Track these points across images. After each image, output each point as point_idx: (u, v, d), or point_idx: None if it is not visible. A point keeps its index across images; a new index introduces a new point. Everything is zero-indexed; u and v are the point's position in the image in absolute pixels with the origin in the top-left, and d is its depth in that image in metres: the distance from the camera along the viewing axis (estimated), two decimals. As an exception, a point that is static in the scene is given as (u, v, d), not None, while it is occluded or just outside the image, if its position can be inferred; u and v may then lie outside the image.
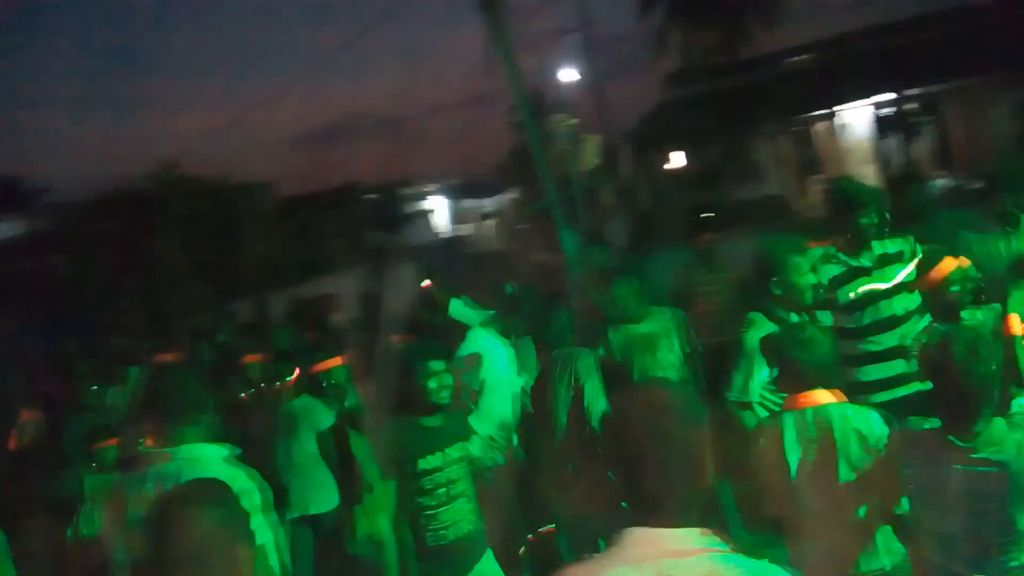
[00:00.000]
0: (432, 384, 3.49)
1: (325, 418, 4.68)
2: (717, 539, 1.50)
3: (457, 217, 38.21)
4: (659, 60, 25.87)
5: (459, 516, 3.48)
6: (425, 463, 3.43)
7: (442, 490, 3.44)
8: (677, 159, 21.55)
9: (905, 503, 2.75)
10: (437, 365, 3.54)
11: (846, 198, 4.06)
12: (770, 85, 19.40)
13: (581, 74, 22.36)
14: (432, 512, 3.43)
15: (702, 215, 6.68)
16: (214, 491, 1.81)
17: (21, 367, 9.85)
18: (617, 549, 1.54)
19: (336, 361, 5.00)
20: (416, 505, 3.42)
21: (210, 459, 2.56)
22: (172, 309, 14.85)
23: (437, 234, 35.08)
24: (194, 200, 19.39)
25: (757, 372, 3.56)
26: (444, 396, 3.57)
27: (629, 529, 1.54)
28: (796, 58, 21.26)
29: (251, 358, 5.81)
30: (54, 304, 17.21)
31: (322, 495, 4.77)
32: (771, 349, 3.12)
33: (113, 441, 4.10)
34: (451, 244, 30.46)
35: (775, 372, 3.28)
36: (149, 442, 2.72)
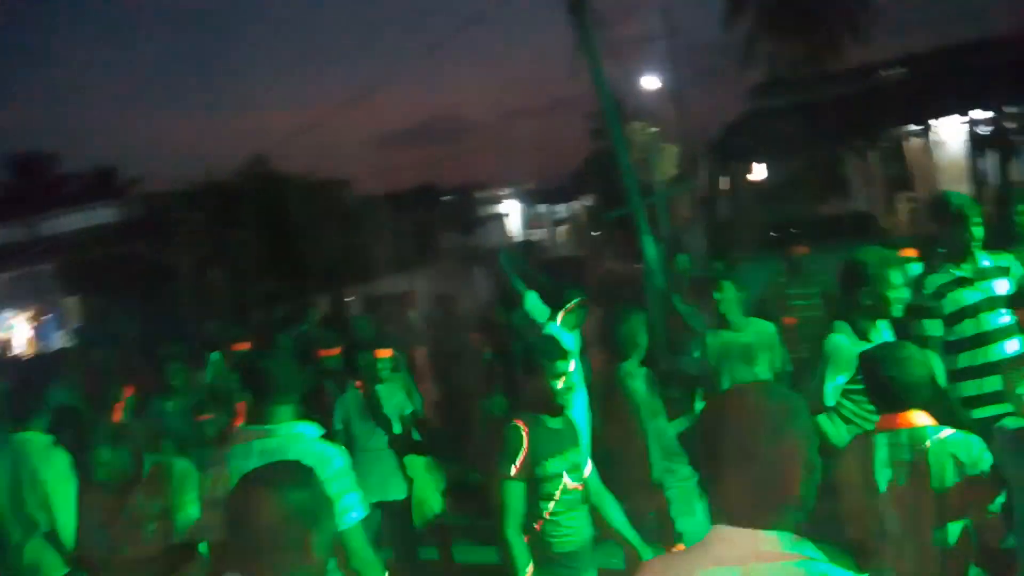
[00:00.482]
0: (559, 384, 3.31)
1: (405, 405, 4.79)
2: (809, 545, 1.47)
3: (530, 222, 38.33)
4: (744, 70, 25.41)
5: (582, 522, 3.36)
6: (553, 466, 3.26)
7: (569, 495, 3.28)
8: (760, 171, 21.14)
9: (1011, 538, 2.62)
10: (563, 365, 3.36)
11: (953, 209, 4.00)
12: (861, 98, 18.83)
13: (663, 82, 22.17)
14: (558, 517, 3.26)
15: (789, 229, 6.54)
16: (296, 473, 1.82)
17: (112, 347, 10.28)
18: (704, 546, 1.52)
19: (387, 353, 5.11)
20: (540, 509, 3.25)
21: (309, 437, 2.63)
22: (254, 299, 15.29)
23: (510, 238, 35.27)
24: (278, 195, 19.96)
25: (834, 377, 3.50)
26: (568, 397, 3.42)
27: (717, 527, 1.52)
28: (889, 71, 20.60)
29: (328, 351, 5.92)
30: (143, 289, 17.95)
31: (395, 482, 4.84)
32: (867, 366, 3.03)
33: (210, 416, 4.24)
34: (524, 248, 30.60)
35: (858, 383, 3.21)
36: (240, 421, 2.80)
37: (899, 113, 18.41)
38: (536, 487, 3.22)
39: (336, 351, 5.81)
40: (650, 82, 22.69)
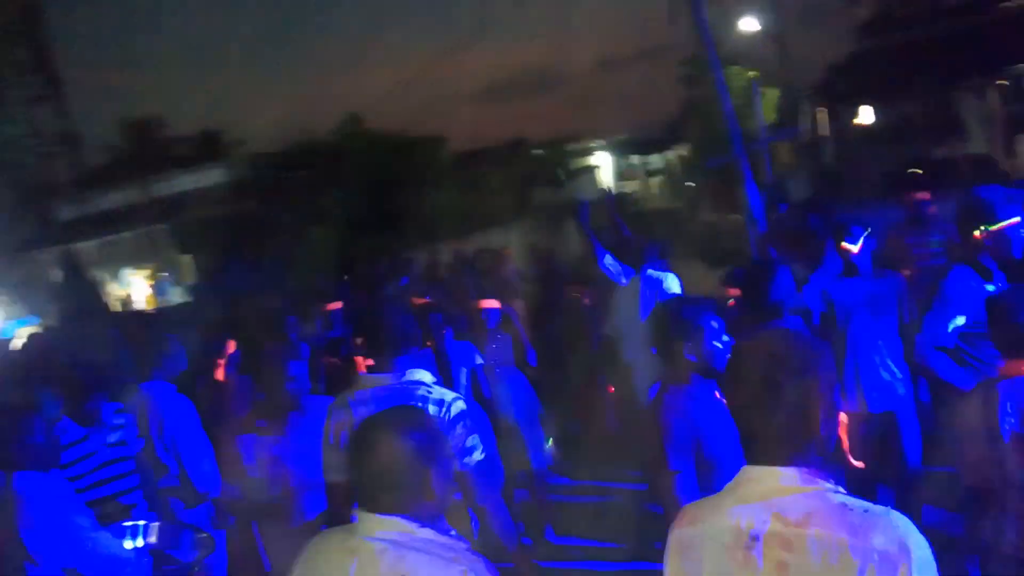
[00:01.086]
0: (718, 346, 2.74)
1: (475, 357, 4.77)
2: (828, 480, 1.52)
3: (623, 173, 37.81)
4: (851, 7, 24.08)
5: None
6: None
7: None
8: (868, 114, 20.16)
9: None
10: (717, 323, 2.82)
11: None
12: (977, 33, 17.62)
13: (763, 23, 21.25)
14: None
15: (907, 173, 6.20)
16: (413, 415, 1.96)
17: (221, 302, 10.80)
18: (733, 487, 1.59)
19: (494, 303, 5.13)
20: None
21: (426, 384, 2.74)
22: (355, 254, 15.74)
23: (602, 191, 34.92)
24: (375, 153, 20.37)
25: (953, 319, 3.40)
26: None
27: (745, 467, 1.59)
28: (1009, 2, 19.16)
29: (422, 301, 6.01)
30: (251, 246, 18.74)
31: None
32: (994, 310, 2.91)
33: (336, 362, 4.42)
34: (610, 201, 30.22)
35: (978, 326, 3.08)
36: (363, 368, 2.94)
37: (1020, 48, 17.14)
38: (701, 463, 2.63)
39: (429, 302, 5.86)
40: (749, 24, 21.78)
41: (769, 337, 1.70)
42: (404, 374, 2.79)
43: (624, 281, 5.45)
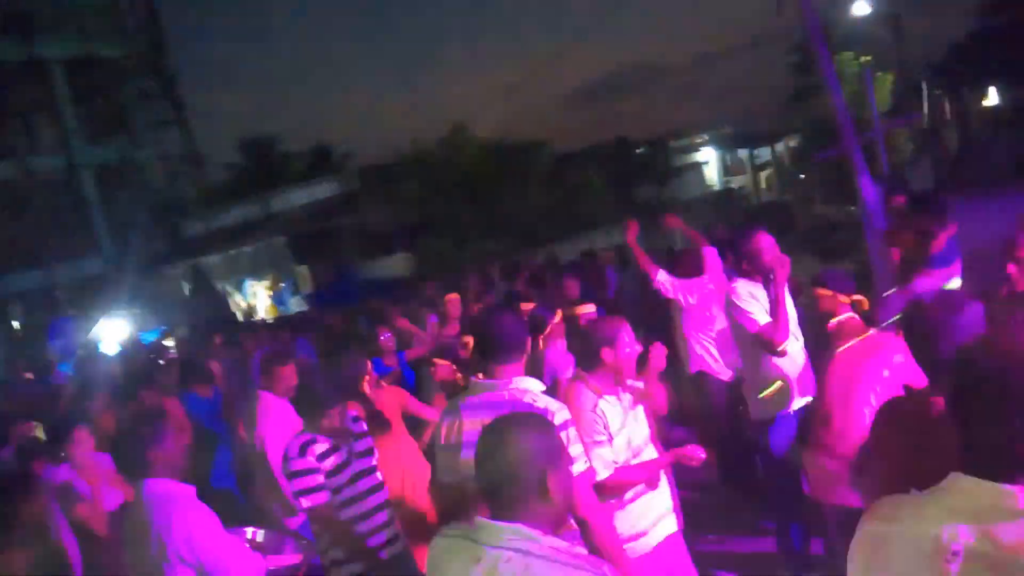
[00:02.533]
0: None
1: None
2: None
3: (730, 168, 36.94)
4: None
5: None
6: None
7: None
8: (993, 96, 18.95)
9: None
10: None
11: None
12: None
13: (875, 6, 20.29)
14: None
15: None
16: (535, 420, 2.01)
17: (336, 311, 11.21)
18: (939, 495, 1.46)
19: (590, 308, 5.06)
20: None
21: (533, 391, 2.77)
22: (462, 260, 16.05)
23: (709, 186, 34.18)
24: (480, 160, 20.72)
25: None
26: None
27: (956, 475, 1.45)
28: None
29: (528, 305, 5.97)
30: (364, 255, 19.41)
31: None
32: None
33: (447, 366, 4.51)
34: (723, 197, 29.55)
35: None
36: (476, 375, 3.01)
37: None
38: None
39: (532, 306, 5.84)
40: (860, 7, 20.84)
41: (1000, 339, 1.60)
42: (512, 381, 2.83)
43: (682, 297, 5.38)
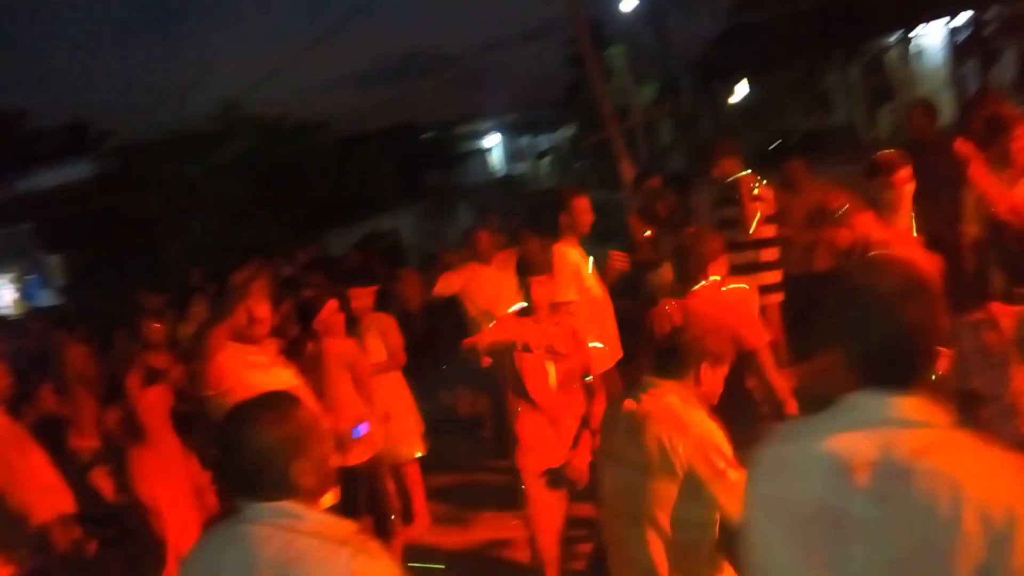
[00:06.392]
0: None
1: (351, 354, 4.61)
2: (943, 412, 1.44)
3: (514, 155, 37.95)
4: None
5: None
6: None
7: None
8: (741, 89, 20.91)
9: None
10: None
11: (1000, 119, 4.04)
12: (840, 9, 18.51)
13: (640, 3, 21.63)
14: None
15: (775, 144, 6.42)
16: (280, 403, 1.91)
17: (89, 302, 10.27)
18: (839, 412, 1.50)
19: (364, 291, 5.04)
20: None
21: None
22: (237, 247, 15.21)
23: (494, 173, 34.94)
24: (254, 140, 19.68)
25: None
26: None
27: (853, 393, 1.49)
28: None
29: (310, 293, 5.82)
30: (125, 242, 17.83)
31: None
32: None
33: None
34: (507, 182, 30.34)
35: None
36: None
37: (879, 23, 18.12)
38: None
39: (314, 293, 5.66)
40: (627, 3, 22.12)
41: (881, 259, 1.67)
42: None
43: None
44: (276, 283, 8.44)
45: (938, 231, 3.92)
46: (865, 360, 1.48)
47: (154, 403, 4.13)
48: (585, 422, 3.75)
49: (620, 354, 4.77)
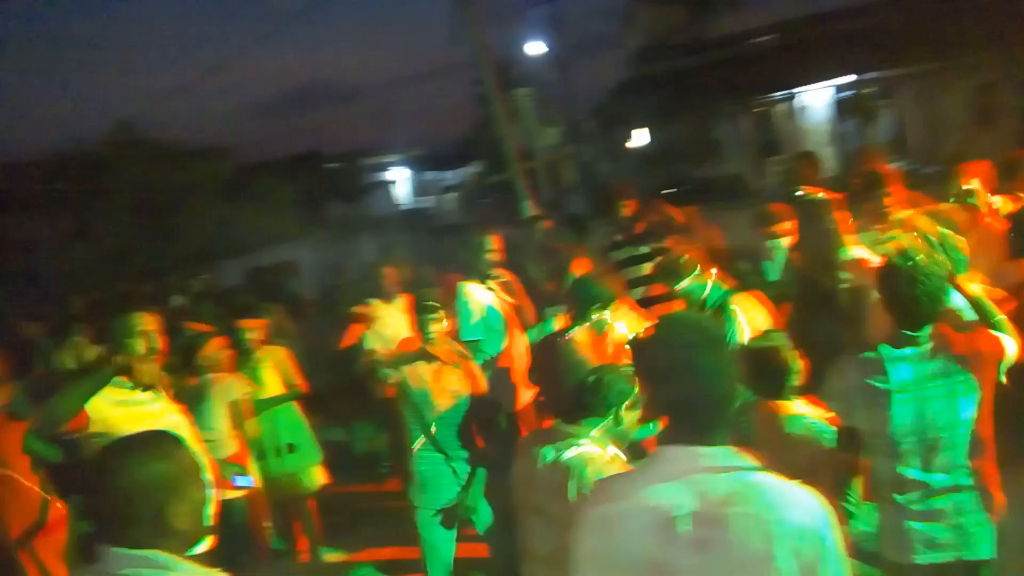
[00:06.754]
0: None
1: (239, 386, 4.47)
2: (748, 458, 1.54)
3: (419, 189, 37.94)
4: (626, 36, 25.83)
5: None
6: None
7: None
8: (641, 136, 21.65)
9: None
10: None
11: (876, 175, 4.29)
12: (732, 65, 19.53)
13: (548, 48, 22.28)
14: None
15: (668, 190, 6.67)
16: (160, 442, 1.82)
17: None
18: (651, 465, 1.59)
19: (257, 323, 4.92)
20: None
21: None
22: (125, 273, 14.54)
23: (398, 206, 34.82)
24: (149, 164, 18.94)
25: None
26: None
27: (663, 447, 1.58)
28: (759, 39, 21.42)
29: (196, 325, 5.58)
30: (5, 262, 16.75)
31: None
32: None
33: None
34: (412, 216, 30.26)
35: None
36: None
37: (768, 80, 19.20)
38: None
39: (201, 325, 5.45)
40: (535, 48, 22.71)
41: (678, 316, 1.78)
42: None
43: None
44: (166, 314, 8.14)
45: (816, 277, 4.14)
46: (670, 411, 1.59)
47: (10, 440, 3.83)
48: (480, 460, 3.75)
49: (534, 391, 4.77)
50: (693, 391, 1.55)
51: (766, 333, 3.13)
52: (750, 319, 3.48)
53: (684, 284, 3.69)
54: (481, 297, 4.72)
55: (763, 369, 2.90)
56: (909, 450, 2.46)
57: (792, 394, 2.93)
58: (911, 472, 2.47)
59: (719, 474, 1.51)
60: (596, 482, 1.70)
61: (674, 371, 1.56)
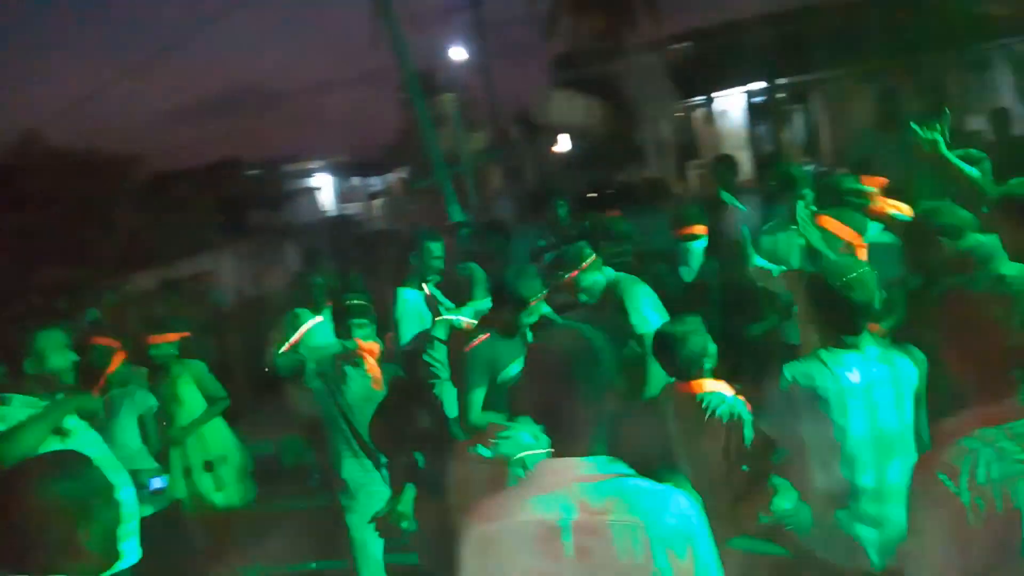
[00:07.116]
0: None
1: (148, 400, 4.34)
2: (623, 465, 1.58)
3: (344, 196, 37.52)
4: (548, 43, 26.07)
5: None
6: None
7: None
8: (564, 141, 21.90)
9: None
10: None
11: (789, 179, 4.36)
12: (653, 72, 19.94)
13: (471, 54, 22.33)
14: None
15: (589, 194, 6.77)
16: (66, 463, 1.78)
17: None
18: (531, 479, 1.62)
19: (172, 337, 4.77)
20: None
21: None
22: (33, 287, 13.89)
23: (323, 213, 34.34)
24: (57, 174, 18.18)
25: None
26: None
27: (542, 461, 1.62)
28: (677, 45, 21.91)
29: (103, 340, 5.29)
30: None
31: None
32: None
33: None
34: (337, 223, 29.85)
35: None
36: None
37: (686, 86, 19.68)
38: None
39: (107, 340, 5.20)
40: (458, 54, 22.72)
41: (562, 335, 1.76)
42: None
43: None
44: (78, 329, 7.83)
45: (729, 279, 4.26)
46: (545, 420, 1.64)
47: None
48: (414, 469, 3.73)
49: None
50: (567, 402, 1.59)
51: (680, 317, 3.21)
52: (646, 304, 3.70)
53: (575, 273, 3.82)
54: (419, 303, 4.67)
55: (678, 351, 2.98)
56: (860, 456, 2.40)
57: (707, 375, 3.00)
58: (863, 478, 2.41)
59: (597, 482, 1.53)
60: (474, 503, 1.69)
61: (548, 382, 1.62)
